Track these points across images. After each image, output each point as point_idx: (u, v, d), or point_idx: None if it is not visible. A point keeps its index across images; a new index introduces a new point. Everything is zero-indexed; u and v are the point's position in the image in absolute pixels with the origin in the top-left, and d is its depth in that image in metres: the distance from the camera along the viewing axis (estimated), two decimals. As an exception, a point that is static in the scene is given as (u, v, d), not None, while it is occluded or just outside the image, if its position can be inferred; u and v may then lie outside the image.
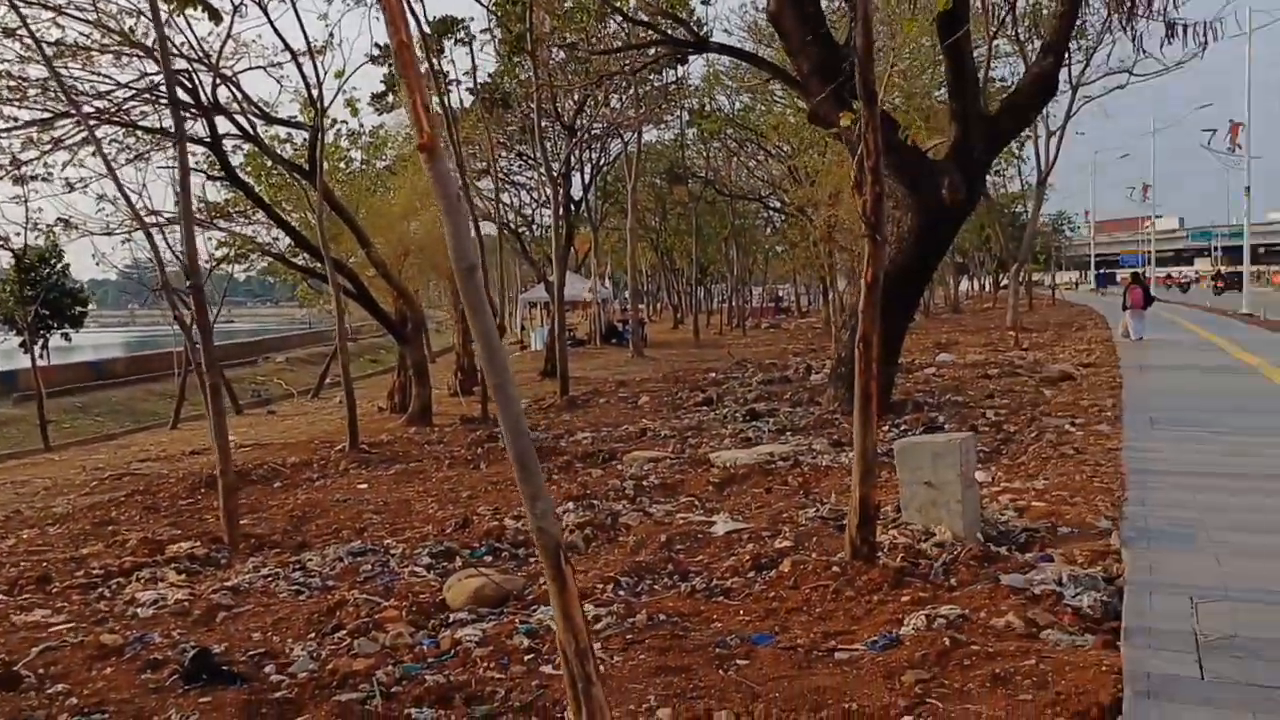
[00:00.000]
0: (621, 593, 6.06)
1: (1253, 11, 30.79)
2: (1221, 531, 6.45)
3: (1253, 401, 12.69)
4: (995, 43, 23.53)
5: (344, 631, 5.72)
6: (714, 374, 22.03)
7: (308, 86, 15.79)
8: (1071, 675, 4.29)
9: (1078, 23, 22.94)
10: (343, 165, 26.01)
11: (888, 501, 7.56)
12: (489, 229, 37.75)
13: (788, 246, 48.52)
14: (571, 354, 35.05)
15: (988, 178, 45.65)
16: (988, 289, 78.73)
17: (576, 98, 27.12)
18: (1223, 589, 5.34)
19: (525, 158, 42.31)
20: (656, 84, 31.53)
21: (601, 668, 4.71)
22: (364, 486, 11.00)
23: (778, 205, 43.94)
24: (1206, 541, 6.25)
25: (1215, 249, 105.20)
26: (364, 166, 27.81)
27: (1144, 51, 19.29)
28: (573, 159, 34.50)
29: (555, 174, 24.66)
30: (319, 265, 17.46)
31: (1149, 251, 72.94)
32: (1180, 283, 74.12)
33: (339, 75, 18.88)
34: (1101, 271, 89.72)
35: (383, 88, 35.80)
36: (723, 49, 16.99)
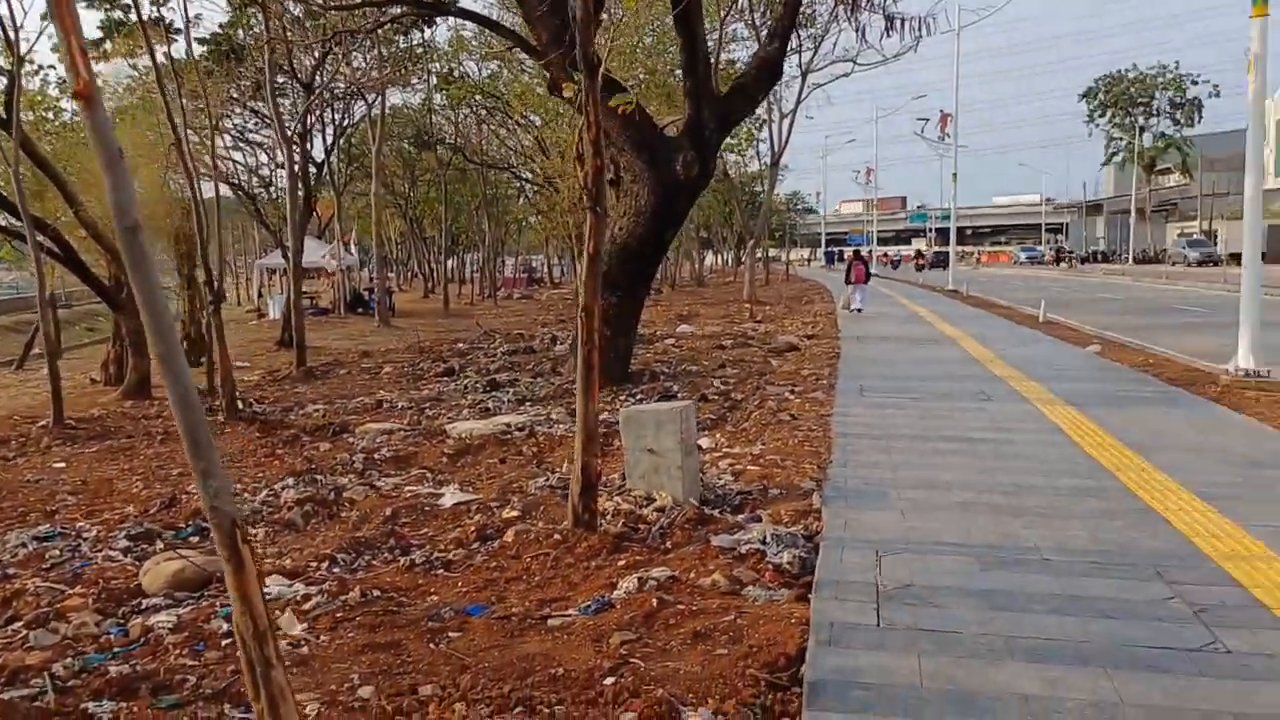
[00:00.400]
0: (336, 570, 5.86)
1: (961, 10, 33.64)
2: (908, 489, 7.04)
3: (948, 370, 13.95)
4: (733, 27, 24.46)
5: (20, 624, 5.21)
6: (461, 344, 21.78)
7: (2, 27, 14.14)
8: (764, 628, 4.55)
9: (806, 11, 24.25)
10: (51, 116, 23.59)
11: (617, 469, 7.75)
12: (223, 190, 35.37)
13: (539, 216, 48.66)
14: (314, 323, 33.60)
15: (731, 157, 47.85)
16: (730, 264, 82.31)
17: (316, 55, 25.84)
18: (905, 542, 5.83)
19: (261, 116, 39.95)
20: (402, 45, 30.54)
21: (305, 648, 4.55)
22: (61, 465, 10.06)
23: (529, 176, 43.90)
24: (896, 499, 6.81)
25: (930, 230, 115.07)
26: (75, 118, 25.30)
27: (866, 42, 20.62)
28: (312, 119, 32.90)
29: (290, 133, 23.42)
30: (18, 224, 15.75)
31: (872, 232, 78.56)
32: (891, 260, 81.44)
33: (45, 18, 17.03)
34: (830, 250, 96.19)
35: (99, 34, 32.66)
36: (465, 14, 16.66)
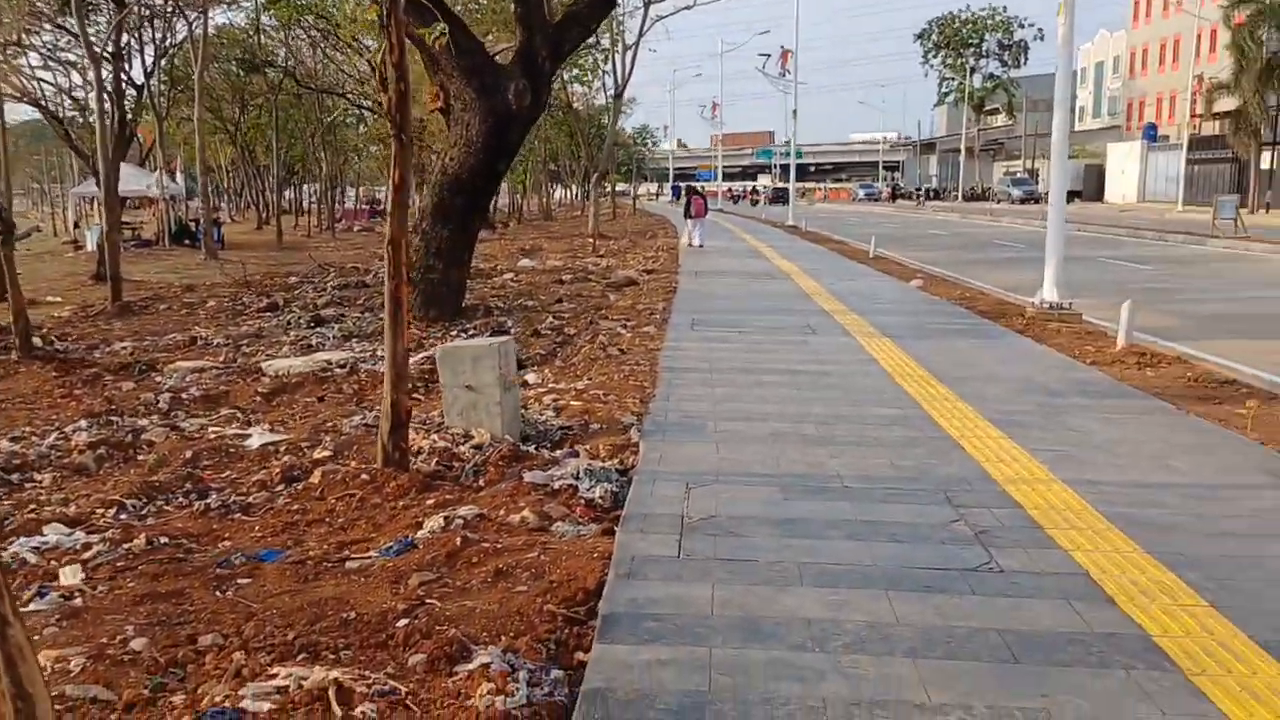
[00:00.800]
0: (124, 516, 5.54)
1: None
2: (726, 422, 7.16)
3: (780, 304, 14.26)
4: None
5: None
6: (292, 278, 20.90)
7: None
8: (567, 564, 4.54)
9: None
10: None
11: (437, 406, 7.59)
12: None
13: (379, 145, 46.92)
14: (135, 256, 31.69)
15: (577, 89, 47.17)
16: (579, 198, 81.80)
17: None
18: (715, 474, 5.93)
19: (71, 33, 36.93)
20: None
21: (80, 600, 4.29)
22: None
23: (366, 103, 42.19)
24: (713, 431, 6.92)
25: (775, 167, 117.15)
26: None
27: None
28: (129, 38, 30.60)
29: (98, 51, 21.71)
30: None
31: (718, 167, 79.32)
32: (733, 196, 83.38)
33: None
34: (676, 185, 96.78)
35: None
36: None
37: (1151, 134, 64.56)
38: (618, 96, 31.72)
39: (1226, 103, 47.79)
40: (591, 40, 31.92)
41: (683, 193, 27.83)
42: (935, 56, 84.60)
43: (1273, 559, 4.58)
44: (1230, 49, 46.02)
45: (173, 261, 31.07)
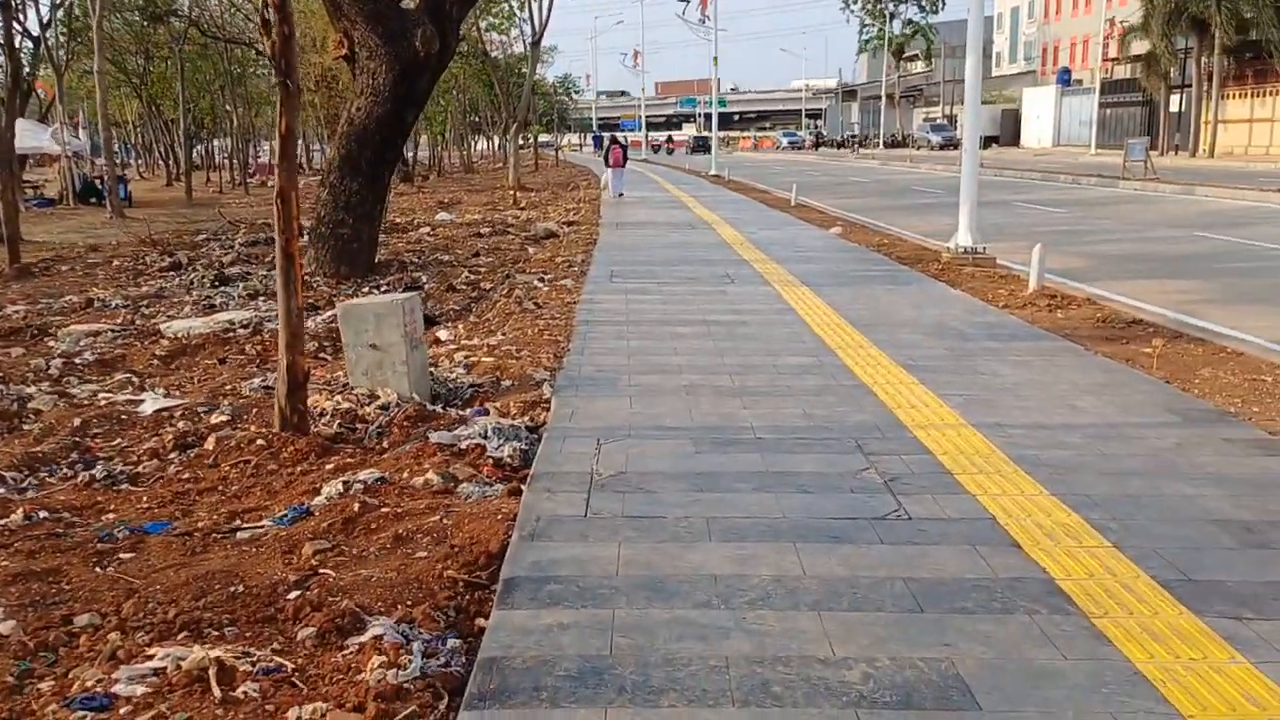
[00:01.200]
0: (1, 490, 5.23)
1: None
2: (640, 375, 7.05)
3: (699, 254, 14.16)
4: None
5: None
6: (202, 235, 20.19)
7: None
8: (470, 527, 4.40)
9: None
10: None
11: (344, 367, 7.34)
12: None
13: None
14: (38, 216, 30.39)
15: (496, 38, 46.12)
16: (501, 150, 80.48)
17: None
18: (628, 429, 5.82)
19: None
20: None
21: (-55, 584, 4.02)
22: None
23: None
24: (626, 386, 6.80)
25: (699, 116, 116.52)
26: None
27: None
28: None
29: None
30: None
31: (641, 117, 78.65)
32: (653, 145, 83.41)
33: None
34: (598, 135, 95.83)
35: None
36: None
37: (1065, 78, 65.54)
38: (535, 44, 31.05)
39: (1138, 46, 48.64)
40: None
41: (605, 142, 27.56)
42: (855, 2, 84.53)
43: (1173, 497, 4.63)
44: (1140, -8, 46.74)
45: (77, 221, 29.78)
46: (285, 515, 4.66)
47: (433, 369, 7.15)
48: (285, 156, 5.66)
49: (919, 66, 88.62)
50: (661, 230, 17.93)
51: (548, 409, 6.30)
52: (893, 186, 32.33)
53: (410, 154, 51.08)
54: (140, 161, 64.89)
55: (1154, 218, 19.83)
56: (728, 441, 5.56)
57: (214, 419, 6.46)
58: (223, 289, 11.70)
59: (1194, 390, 6.56)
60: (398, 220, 21.01)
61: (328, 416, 6.25)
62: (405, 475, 5.16)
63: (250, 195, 41.19)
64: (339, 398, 6.60)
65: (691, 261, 13.33)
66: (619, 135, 30.45)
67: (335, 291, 11.46)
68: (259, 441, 5.63)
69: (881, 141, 78.42)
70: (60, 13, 36.91)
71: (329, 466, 5.33)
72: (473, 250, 15.26)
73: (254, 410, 6.68)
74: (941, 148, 63.49)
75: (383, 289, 11.51)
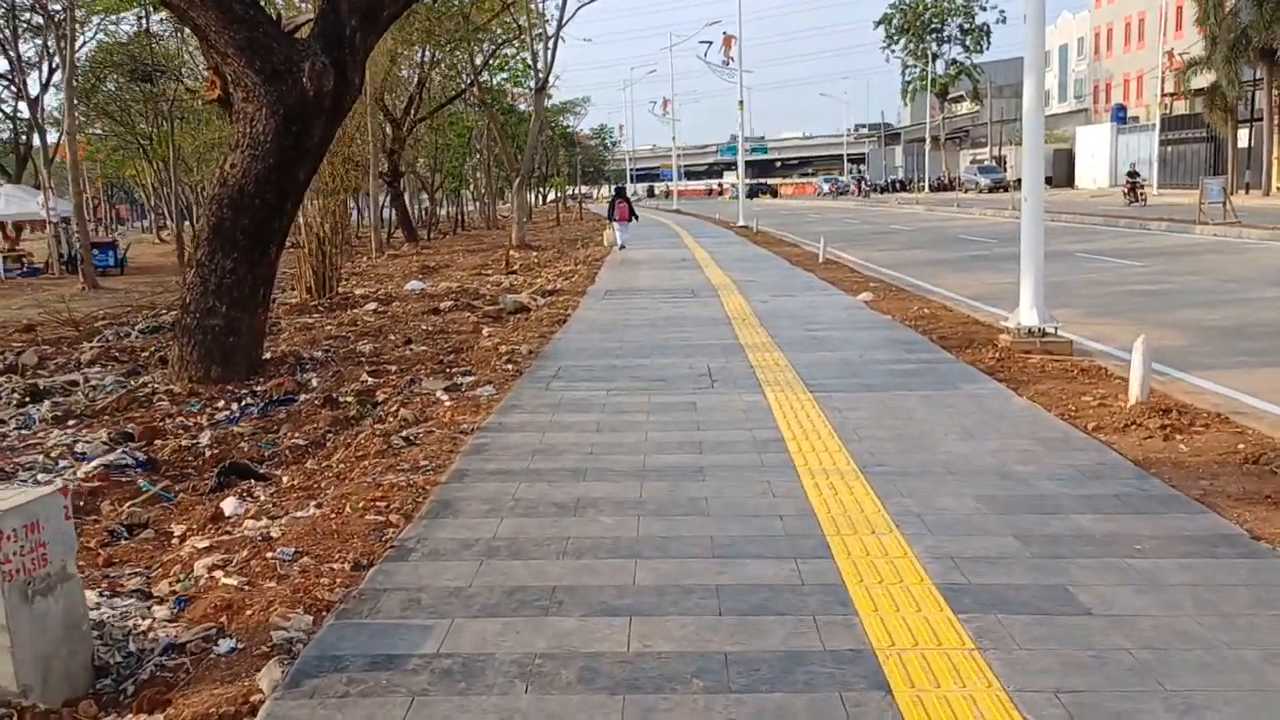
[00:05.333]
0: None
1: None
2: (469, 622, 4.01)
3: (688, 335, 11.15)
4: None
5: None
6: (105, 317, 17.31)
7: None
8: None
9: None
10: None
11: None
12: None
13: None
14: (13, 287, 28.72)
15: (516, 91, 43.87)
16: (540, 202, 78.48)
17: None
18: None
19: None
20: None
21: None
22: None
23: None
24: (423, 674, 3.76)
25: (740, 164, 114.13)
26: None
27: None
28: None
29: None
30: None
31: (675, 165, 76.33)
32: (650, 193, 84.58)
33: None
34: (619, 185, 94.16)
35: None
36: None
37: (1121, 115, 62.11)
38: (539, 90, 28.52)
39: (1200, 80, 45.09)
40: (513, 31, 28.83)
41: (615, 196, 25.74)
42: (897, 43, 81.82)
43: None
44: (1199, 24, 43.32)
45: (49, 292, 27.62)
46: None
47: (107, 619, 4.15)
48: None
49: (964, 107, 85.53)
50: (655, 300, 14.95)
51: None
52: (938, 235, 29.14)
53: (418, 210, 48.87)
54: (159, 224, 63.69)
55: (1247, 271, 16.52)
56: None
57: None
58: (30, 406, 8.76)
59: None
60: (358, 291, 18.28)
61: None
62: None
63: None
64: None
65: (671, 350, 10.33)
66: (622, 188, 28.74)
67: (181, 406, 8.61)
68: None
69: (927, 185, 75.15)
70: (57, 76, 35.50)
71: None
72: (408, 336, 12.35)
73: None
74: (990, 190, 60.19)
75: (243, 402, 8.63)
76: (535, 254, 26.42)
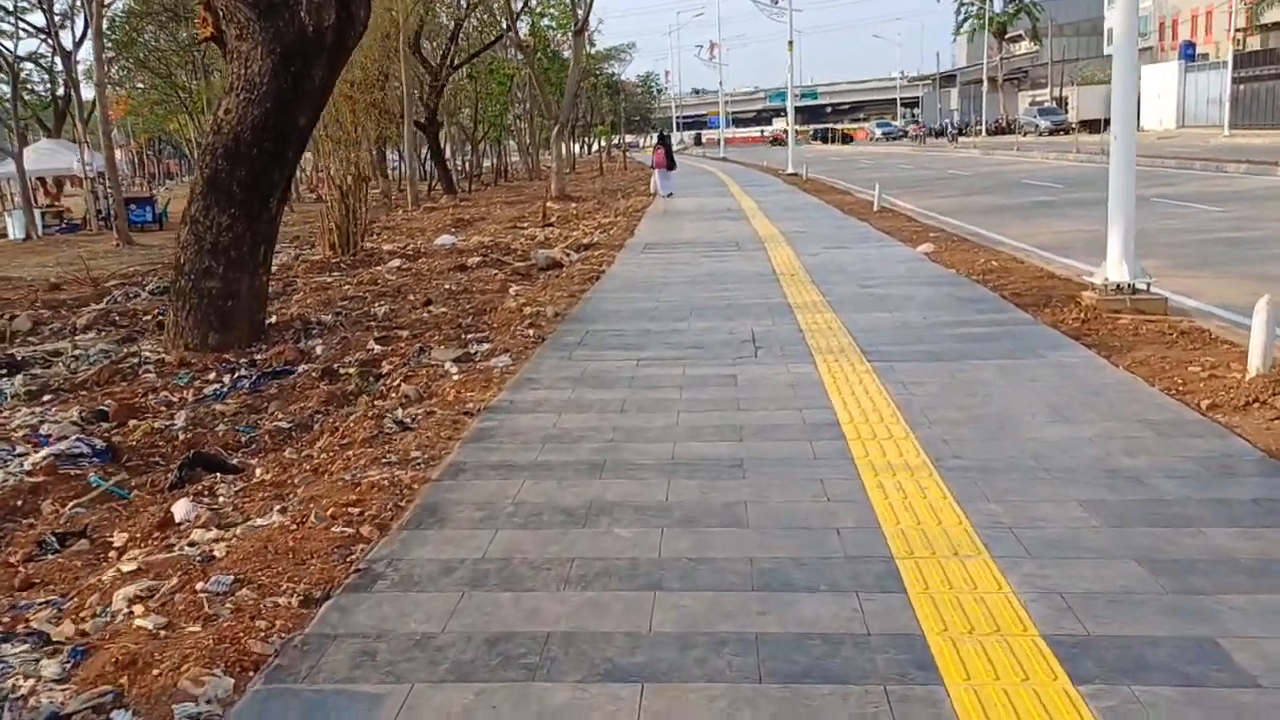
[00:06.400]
0: None
1: None
2: (441, 690, 3.11)
3: (731, 295, 10.13)
4: None
5: None
6: (140, 279, 16.69)
7: None
8: None
9: None
10: None
11: None
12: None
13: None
14: (50, 243, 28.67)
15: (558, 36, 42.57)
16: (586, 151, 77.01)
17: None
18: None
19: None
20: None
21: None
22: None
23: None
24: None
25: (790, 109, 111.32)
26: None
27: None
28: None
29: None
30: None
31: (722, 113, 74.40)
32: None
33: None
34: (663, 133, 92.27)
35: None
36: None
37: (1189, 53, 58.99)
38: (578, 33, 27.28)
39: (1274, 13, 42.37)
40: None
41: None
42: (951, -19, 78.62)
43: None
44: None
45: (84, 249, 27.20)
46: None
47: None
48: None
49: (1023, 47, 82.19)
50: (696, 254, 13.89)
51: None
52: (999, 180, 27.57)
53: (461, 161, 47.81)
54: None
55: (1352, 215, 15.04)
56: None
57: None
58: (2, 378, 7.99)
59: None
60: (386, 247, 17.42)
61: None
62: None
63: (293, 211, 38.38)
64: None
65: (711, 311, 9.32)
66: (665, 134, 27.42)
67: (169, 379, 7.80)
68: None
69: (984, 128, 72.46)
70: (89, 30, 35.04)
71: None
72: (433, 294, 11.47)
73: None
74: (1051, 133, 57.70)
75: (236, 373, 7.80)
76: (575, 205, 25.37)
